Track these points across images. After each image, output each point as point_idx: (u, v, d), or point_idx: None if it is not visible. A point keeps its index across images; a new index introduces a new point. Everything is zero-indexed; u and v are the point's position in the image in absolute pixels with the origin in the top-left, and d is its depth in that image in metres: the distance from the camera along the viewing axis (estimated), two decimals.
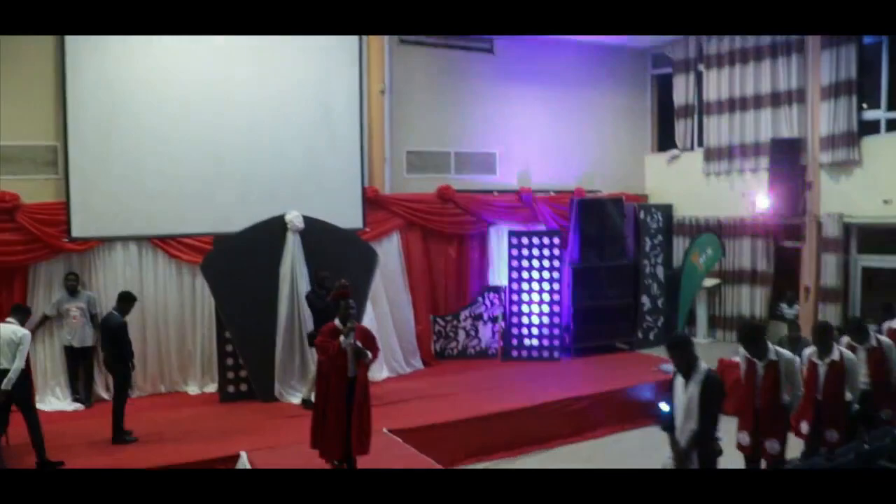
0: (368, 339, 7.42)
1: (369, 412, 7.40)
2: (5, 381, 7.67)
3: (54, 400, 10.14)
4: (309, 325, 10.24)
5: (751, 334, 6.74)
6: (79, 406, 10.22)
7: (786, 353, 6.70)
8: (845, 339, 7.92)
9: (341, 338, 7.20)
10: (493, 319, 12.94)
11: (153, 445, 8.69)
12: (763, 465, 6.58)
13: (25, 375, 7.93)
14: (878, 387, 7.67)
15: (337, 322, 7.39)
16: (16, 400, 7.90)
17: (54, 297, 10.25)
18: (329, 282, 9.77)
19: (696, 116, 14.60)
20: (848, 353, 7.27)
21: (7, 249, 10.08)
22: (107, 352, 9.00)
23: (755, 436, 6.59)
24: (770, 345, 6.64)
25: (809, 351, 7.38)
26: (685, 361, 5.97)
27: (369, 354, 7.32)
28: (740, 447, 6.72)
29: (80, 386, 10.36)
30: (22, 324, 8.09)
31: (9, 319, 8.10)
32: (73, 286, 10.19)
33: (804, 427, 7.26)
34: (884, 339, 7.94)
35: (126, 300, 9.06)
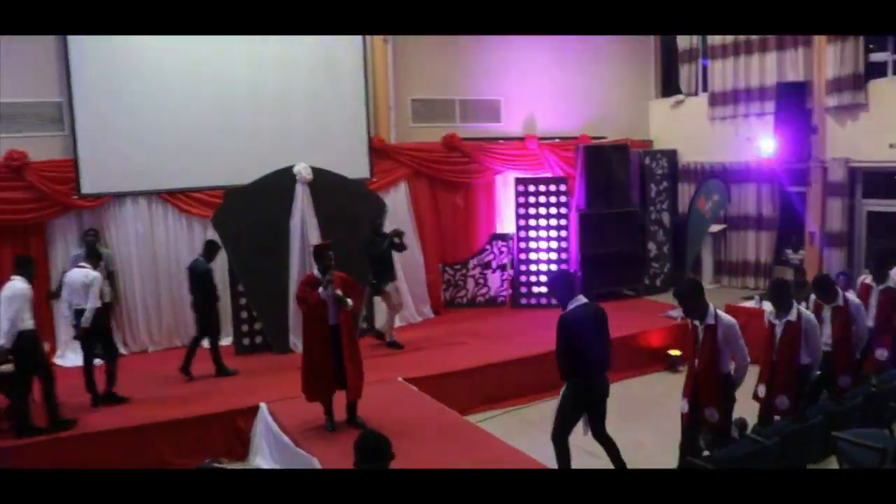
0: (349, 287, 7.56)
1: (359, 356, 7.59)
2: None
3: (73, 356, 10.21)
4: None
5: (775, 290, 6.75)
6: (98, 361, 10.32)
7: (808, 314, 6.64)
8: (812, 297, 7.51)
9: (320, 289, 7.32)
10: (502, 267, 13.05)
11: (175, 398, 8.86)
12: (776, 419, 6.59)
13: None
14: (838, 350, 7.20)
15: (316, 272, 7.51)
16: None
17: (71, 254, 10.27)
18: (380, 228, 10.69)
19: (700, 61, 14.52)
20: (807, 314, 6.66)
21: (18, 208, 10.13)
22: (196, 295, 9.68)
23: (770, 390, 6.68)
24: (795, 304, 6.62)
25: (769, 309, 6.84)
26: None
27: (350, 302, 7.46)
28: (756, 398, 6.82)
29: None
30: (30, 279, 8.12)
31: (13, 276, 8.00)
32: (91, 242, 10.22)
33: (761, 390, 6.78)
34: (851, 298, 7.42)
35: (211, 247, 9.73)
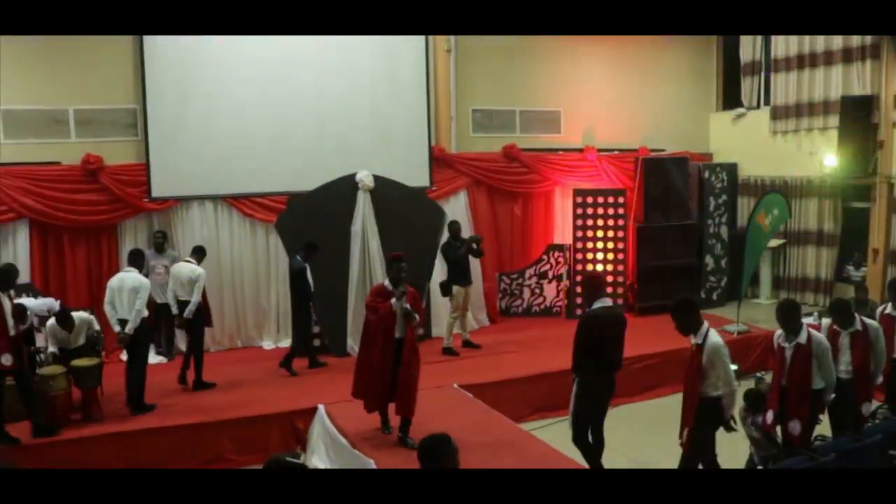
0: (416, 302, 7.61)
1: (416, 374, 7.52)
2: (186, 311, 9.13)
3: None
4: (378, 280, 10.64)
5: (839, 305, 6.84)
6: (161, 359, 10.68)
7: (819, 336, 6.46)
8: (826, 321, 7.33)
9: (394, 300, 7.32)
10: (558, 278, 13.10)
11: (235, 398, 9.12)
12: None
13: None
14: (858, 377, 6.92)
15: (387, 283, 7.54)
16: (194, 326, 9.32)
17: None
18: (459, 233, 11.04)
19: (762, 73, 14.38)
20: (817, 337, 6.43)
21: (93, 209, 10.58)
22: (293, 294, 10.29)
23: (781, 415, 6.53)
24: (857, 316, 6.63)
25: (779, 332, 6.57)
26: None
27: (417, 317, 7.50)
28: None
29: (162, 339, 10.83)
30: (140, 269, 8.73)
31: (127, 267, 8.71)
32: (160, 244, 10.61)
33: (769, 416, 6.56)
34: (871, 322, 7.08)
35: (309, 248, 10.10)
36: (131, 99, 10.88)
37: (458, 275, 10.89)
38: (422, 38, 12.17)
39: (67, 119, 10.64)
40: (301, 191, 11.05)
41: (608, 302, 6.87)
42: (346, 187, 10.88)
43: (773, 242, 13.44)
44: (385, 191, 11.03)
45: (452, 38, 12.62)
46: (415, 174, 12.02)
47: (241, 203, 11.37)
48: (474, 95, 13.06)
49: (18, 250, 10.32)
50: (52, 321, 8.58)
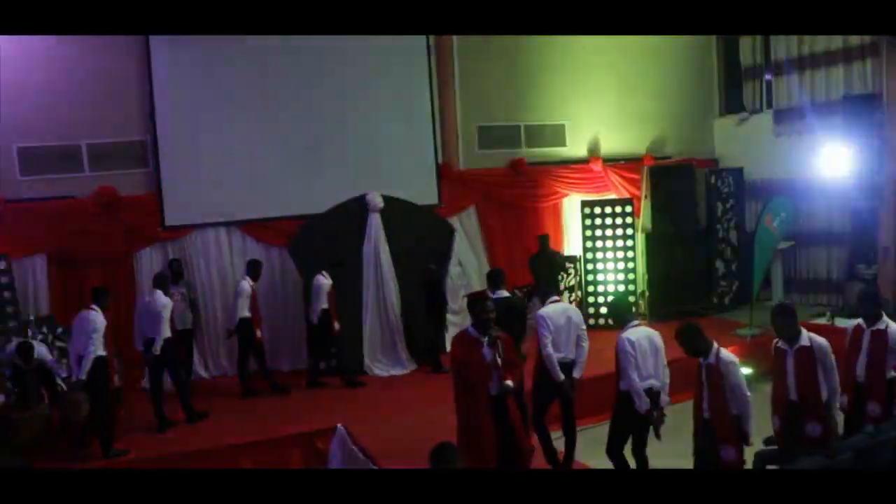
0: (510, 350, 6.39)
1: (529, 428, 6.96)
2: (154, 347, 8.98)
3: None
4: (391, 299, 10.87)
5: (866, 293, 6.86)
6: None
7: (820, 340, 6.15)
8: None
9: (484, 349, 6.15)
10: (569, 289, 13.17)
11: (251, 419, 9.28)
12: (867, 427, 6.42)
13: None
14: (871, 375, 6.66)
15: (470, 328, 6.37)
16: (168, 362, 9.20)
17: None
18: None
19: (763, 76, 14.47)
20: (818, 341, 6.09)
21: (109, 240, 10.77)
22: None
23: (858, 400, 6.62)
24: (885, 317, 6.52)
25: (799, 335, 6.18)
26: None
27: (512, 385, 6.20)
28: (841, 407, 6.69)
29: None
30: (104, 308, 8.77)
31: (93, 305, 8.73)
32: (178, 272, 10.78)
33: (775, 421, 6.33)
34: (892, 323, 6.70)
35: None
36: (142, 131, 11.09)
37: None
38: (425, 57, 12.34)
39: (80, 154, 10.85)
40: (312, 213, 11.19)
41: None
42: (355, 208, 11.06)
43: (783, 244, 13.48)
44: (395, 210, 11.18)
45: (455, 55, 12.76)
46: (423, 192, 12.18)
47: (252, 228, 11.53)
48: (479, 111, 13.19)
49: (38, 284, 10.51)
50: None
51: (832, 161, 12.36)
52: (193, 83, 11.05)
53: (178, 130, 11.08)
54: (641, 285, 13.26)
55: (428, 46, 12.39)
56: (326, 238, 10.82)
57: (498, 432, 6.17)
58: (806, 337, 6.11)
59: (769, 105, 14.31)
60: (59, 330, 9.89)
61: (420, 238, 11.18)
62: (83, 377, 8.26)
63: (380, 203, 11.06)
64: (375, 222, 11.06)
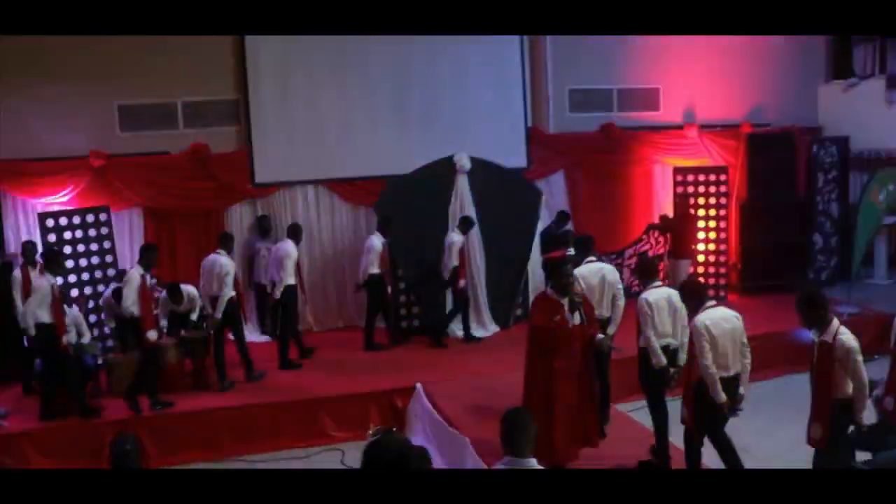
0: (591, 313, 6.43)
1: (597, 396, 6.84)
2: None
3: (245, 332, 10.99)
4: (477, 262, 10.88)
5: None
6: (266, 338, 11.07)
7: (844, 337, 5.53)
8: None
9: (567, 314, 6.11)
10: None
11: (336, 375, 9.45)
12: None
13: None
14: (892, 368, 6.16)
15: (549, 291, 6.36)
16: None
17: (243, 238, 11.13)
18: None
19: (877, 39, 13.64)
20: (842, 337, 5.47)
21: (202, 195, 11.07)
22: None
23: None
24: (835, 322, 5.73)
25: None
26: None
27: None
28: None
29: (267, 319, 11.19)
30: (229, 252, 9.15)
31: (219, 251, 9.12)
32: (266, 228, 10.99)
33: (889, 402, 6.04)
34: None
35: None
36: (234, 90, 11.29)
37: None
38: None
39: (176, 111, 11.13)
40: (399, 174, 11.20)
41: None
42: (443, 169, 11.01)
43: (889, 220, 12.82)
44: (482, 172, 11.10)
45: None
46: (513, 155, 12.05)
47: (340, 187, 11.63)
48: (571, 75, 12.91)
49: (134, 236, 10.91)
50: (163, 295, 9.14)
51: None
52: (284, 43, 11.11)
53: (269, 90, 11.24)
54: (734, 257, 12.81)
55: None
56: (413, 197, 10.82)
57: (568, 402, 6.23)
58: (832, 330, 5.52)
59: (882, 70, 13.51)
60: (153, 281, 10.19)
61: (507, 201, 11.07)
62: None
63: (468, 165, 10.99)
64: (463, 184, 10.99)
